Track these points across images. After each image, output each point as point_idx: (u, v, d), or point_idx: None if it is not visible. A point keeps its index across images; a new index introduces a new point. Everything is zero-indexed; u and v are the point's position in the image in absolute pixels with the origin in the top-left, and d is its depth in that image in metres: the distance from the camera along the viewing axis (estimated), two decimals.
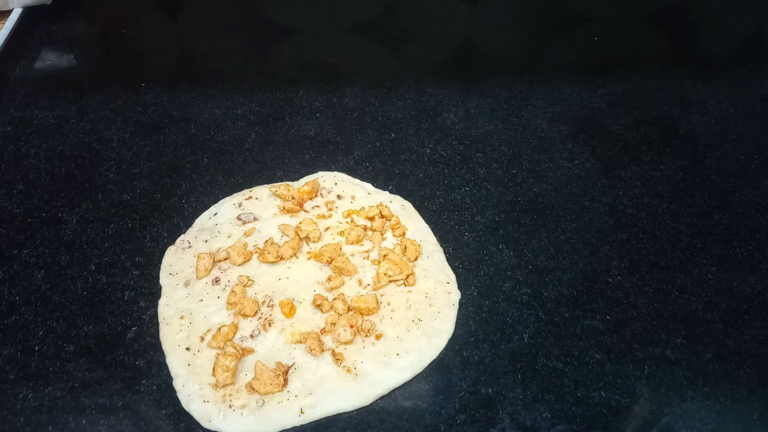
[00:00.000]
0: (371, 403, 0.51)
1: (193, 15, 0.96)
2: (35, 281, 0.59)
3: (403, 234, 0.62)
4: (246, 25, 0.95)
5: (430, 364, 0.53)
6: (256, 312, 0.56)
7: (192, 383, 0.51)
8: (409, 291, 0.58)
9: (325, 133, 0.75)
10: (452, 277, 0.59)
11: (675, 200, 0.67)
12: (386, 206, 0.64)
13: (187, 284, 0.58)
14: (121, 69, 0.85)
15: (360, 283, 0.58)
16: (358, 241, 0.61)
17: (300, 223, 0.62)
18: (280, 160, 0.71)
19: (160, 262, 0.61)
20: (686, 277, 0.60)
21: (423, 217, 0.65)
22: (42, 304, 0.57)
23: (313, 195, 0.66)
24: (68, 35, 0.91)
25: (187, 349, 0.54)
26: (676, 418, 0.50)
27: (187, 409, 0.50)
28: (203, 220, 0.65)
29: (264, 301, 0.57)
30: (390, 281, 0.58)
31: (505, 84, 0.82)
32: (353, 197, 0.66)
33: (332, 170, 0.70)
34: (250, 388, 0.51)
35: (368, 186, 0.68)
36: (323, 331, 0.55)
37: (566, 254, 0.62)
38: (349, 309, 0.56)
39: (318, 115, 0.78)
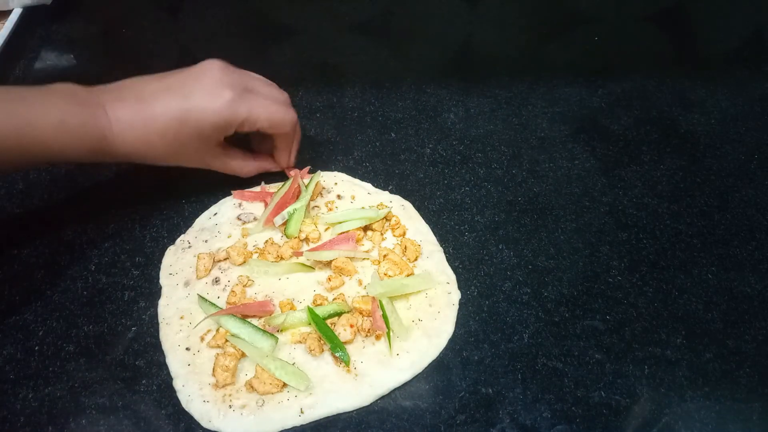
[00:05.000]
0: (371, 403, 0.51)
1: (193, 15, 0.95)
2: (35, 281, 0.59)
3: (403, 234, 0.62)
4: (246, 25, 0.95)
5: (430, 364, 0.53)
6: None
7: (192, 383, 0.51)
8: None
9: (324, 132, 0.75)
10: (452, 277, 0.59)
11: (675, 200, 0.67)
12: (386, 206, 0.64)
13: (187, 284, 0.58)
14: (121, 69, 0.85)
15: (360, 283, 0.58)
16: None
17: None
18: None
19: (160, 262, 0.61)
20: (686, 277, 0.60)
21: (423, 217, 0.65)
22: (42, 304, 0.57)
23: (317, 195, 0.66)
24: (68, 35, 0.91)
25: (187, 349, 0.54)
26: (676, 418, 0.50)
27: (187, 409, 0.50)
28: (203, 220, 0.65)
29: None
30: None
31: (505, 84, 0.82)
32: (353, 197, 0.66)
33: (332, 170, 0.70)
34: (250, 387, 0.51)
35: (368, 186, 0.68)
36: None
37: (566, 254, 0.62)
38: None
39: (318, 115, 0.77)
